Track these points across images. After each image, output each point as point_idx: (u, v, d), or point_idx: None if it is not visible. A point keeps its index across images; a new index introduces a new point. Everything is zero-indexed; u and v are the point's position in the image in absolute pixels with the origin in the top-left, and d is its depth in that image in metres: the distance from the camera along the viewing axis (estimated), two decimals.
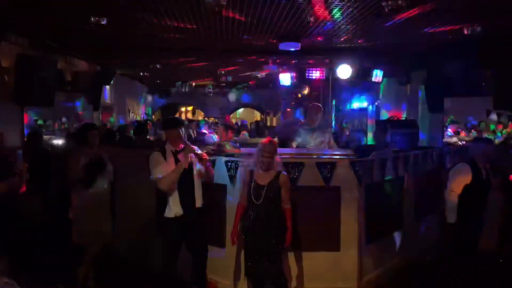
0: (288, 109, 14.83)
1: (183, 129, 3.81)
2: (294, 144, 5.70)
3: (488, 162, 4.10)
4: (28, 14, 5.26)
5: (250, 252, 3.65)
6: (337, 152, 4.90)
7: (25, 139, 6.17)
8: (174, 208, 3.69)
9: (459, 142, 8.24)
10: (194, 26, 5.90)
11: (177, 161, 3.72)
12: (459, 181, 4.01)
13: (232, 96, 15.92)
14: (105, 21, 5.35)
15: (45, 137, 7.22)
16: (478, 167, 4.03)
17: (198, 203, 3.80)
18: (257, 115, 20.77)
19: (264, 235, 3.55)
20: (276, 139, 3.89)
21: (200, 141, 7.51)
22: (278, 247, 3.61)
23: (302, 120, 6.77)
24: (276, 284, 3.66)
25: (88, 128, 4.38)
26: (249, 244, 3.64)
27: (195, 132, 9.52)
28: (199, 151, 3.82)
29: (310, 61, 8.76)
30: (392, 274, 4.64)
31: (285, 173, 3.70)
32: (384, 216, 4.68)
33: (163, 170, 3.66)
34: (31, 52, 6.40)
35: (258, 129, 12.41)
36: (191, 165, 3.75)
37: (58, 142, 7.12)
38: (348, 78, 8.09)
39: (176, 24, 5.79)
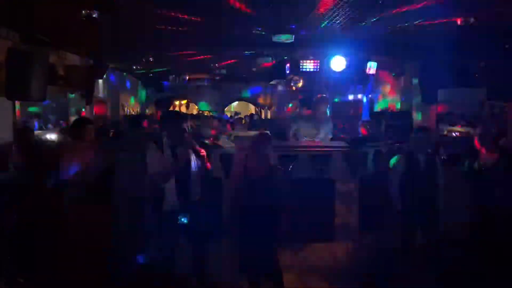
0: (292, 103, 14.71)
1: (183, 123, 3.81)
2: (290, 133, 5.71)
3: (426, 151, 4.28)
4: (18, 7, 5.19)
5: (245, 245, 3.66)
6: (332, 144, 4.92)
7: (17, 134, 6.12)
8: (171, 201, 3.69)
9: (453, 134, 8.30)
10: (186, 17, 5.85)
11: (174, 155, 3.72)
12: (395, 171, 4.27)
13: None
14: (96, 14, 5.29)
15: (38, 132, 7.16)
16: (416, 157, 4.21)
17: (196, 196, 3.80)
18: (252, 109, 20.73)
19: (260, 228, 3.56)
20: (267, 132, 3.90)
21: (195, 134, 7.48)
22: (274, 239, 3.62)
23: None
24: (272, 277, 3.68)
25: (83, 123, 4.36)
26: (245, 238, 3.65)
27: (189, 126, 9.46)
28: (197, 147, 3.83)
29: (304, 53, 8.72)
30: (387, 266, 4.68)
31: (279, 166, 3.72)
32: (379, 208, 4.71)
33: (161, 164, 3.65)
34: (22, 46, 6.32)
35: (253, 122, 12.38)
36: (189, 159, 3.75)
37: (52, 136, 7.06)
38: (342, 70, 8.08)
39: (169, 17, 5.74)
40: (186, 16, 5.81)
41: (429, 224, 4.26)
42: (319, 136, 5.68)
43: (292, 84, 13.44)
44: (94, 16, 5.30)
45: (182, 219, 3.72)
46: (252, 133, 7.52)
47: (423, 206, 4.20)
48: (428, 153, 4.39)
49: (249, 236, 3.60)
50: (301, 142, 5.44)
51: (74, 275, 4.19)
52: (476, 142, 4.10)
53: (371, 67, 8.17)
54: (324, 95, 6.01)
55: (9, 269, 3.36)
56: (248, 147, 3.68)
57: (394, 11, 5.33)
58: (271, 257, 3.64)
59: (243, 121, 12.68)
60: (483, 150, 3.99)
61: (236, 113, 18.53)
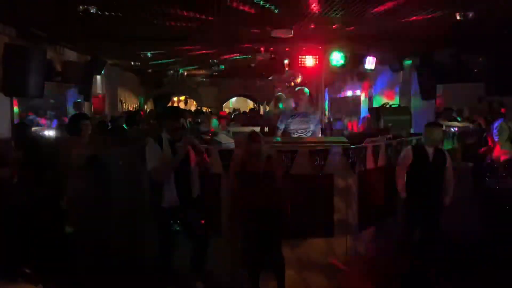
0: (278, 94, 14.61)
1: (182, 119, 3.81)
2: (278, 132, 5.71)
3: (436, 145, 4.36)
4: (14, 2, 5.15)
5: (249, 240, 3.67)
6: (330, 140, 4.92)
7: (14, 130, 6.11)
8: (170, 198, 3.69)
9: (451, 129, 8.29)
10: (185, 14, 5.82)
11: (174, 151, 3.71)
12: (402, 161, 4.41)
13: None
14: (94, 10, 5.25)
15: (35, 128, 7.15)
16: (424, 149, 4.32)
17: (195, 192, 3.80)
18: (250, 104, 20.70)
19: (264, 221, 3.57)
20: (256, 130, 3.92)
21: (194, 130, 7.48)
22: (277, 232, 3.63)
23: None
24: (276, 270, 3.69)
25: (80, 119, 4.35)
26: (249, 233, 3.66)
27: (187, 122, 9.47)
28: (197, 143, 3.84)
29: (303, 49, 8.69)
30: (384, 260, 4.69)
31: (274, 157, 3.75)
32: (377, 203, 4.72)
33: (160, 160, 3.64)
34: (19, 42, 6.29)
35: (250, 117, 12.37)
36: (188, 155, 3.74)
37: (49, 132, 7.05)
38: (341, 66, 8.06)
39: (166, 12, 5.71)
40: (185, 13, 5.78)
41: (430, 217, 4.29)
42: (310, 130, 5.67)
43: (290, 79, 13.42)
44: (91, 11, 5.26)
45: (176, 227, 3.75)
46: (250, 128, 7.49)
47: (427, 199, 4.24)
48: (437, 148, 4.41)
49: (255, 231, 3.61)
50: (296, 138, 5.43)
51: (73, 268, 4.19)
52: (490, 138, 4.09)
53: (370, 62, 8.15)
54: (303, 87, 6.01)
55: (13, 262, 3.36)
56: (243, 143, 3.70)
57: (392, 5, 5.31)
58: (276, 252, 3.66)
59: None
60: (497, 147, 3.97)
61: (235, 109, 18.51)
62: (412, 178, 4.33)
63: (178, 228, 3.75)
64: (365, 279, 4.29)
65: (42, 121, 7.74)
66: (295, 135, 5.59)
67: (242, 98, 20.65)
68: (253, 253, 3.65)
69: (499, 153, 3.92)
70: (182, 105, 19.67)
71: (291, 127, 5.61)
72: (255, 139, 3.62)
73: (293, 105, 6.04)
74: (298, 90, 5.88)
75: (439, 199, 4.28)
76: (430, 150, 4.31)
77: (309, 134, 5.67)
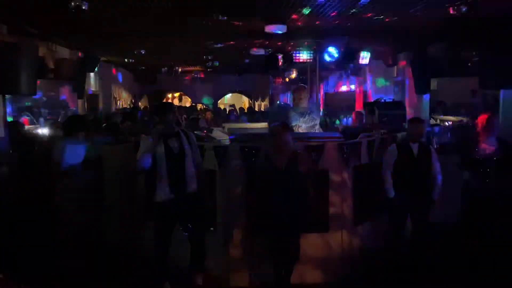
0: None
1: (172, 114, 3.80)
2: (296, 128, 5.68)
3: (420, 140, 4.36)
4: None
5: (272, 230, 3.70)
6: (325, 135, 4.92)
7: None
8: (162, 193, 3.68)
9: (446, 123, 8.33)
10: (178, 8, 5.79)
11: (166, 145, 3.70)
12: (387, 159, 4.40)
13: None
14: (86, 6, 5.20)
15: (29, 126, 7.09)
16: (409, 145, 4.31)
17: (191, 188, 3.78)
18: (245, 101, 20.69)
19: (286, 214, 3.60)
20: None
21: (190, 126, 7.45)
22: (299, 224, 3.68)
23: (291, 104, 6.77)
24: (289, 263, 3.74)
25: (76, 128, 4.32)
26: (272, 223, 3.68)
27: (183, 118, 9.45)
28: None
29: (297, 44, 8.68)
30: (380, 255, 4.71)
31: (301, 152, 3.77)
32: (372, 198, 4.73)
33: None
34: (10, 39, 6.22)
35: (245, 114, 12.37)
36: (182, 150, 3.73)
37: (43, 131, 6.99)
38: (335, 60, 8.06)
39: (159, 7, 5.67)
40: (178, 8, 5.74)
41: (419, 212, 4.29)
42: (316, 128, 5.68)
43: (285, 75, 13.41)
44: (83, 7, 5.21)
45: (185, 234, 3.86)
46: (248, 125, 7.48)
47: (414, 195, 4.24)
48: (422, 143, 4.42)
49: (277, 222, 3.63)
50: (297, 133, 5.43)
51: (68, 263, 4.18)
52: (479, 132, 4.12)
53: (364, 57, 8.15)
54: (302, 84, 5.99)
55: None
56: (269, 138, 3.70)
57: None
58: (298, 243, 3.71)
59: (235, 113, 12.74)
60: (484, 141, 4.00)
61: (231, 105, 18.49)
62: (397, 175, 4.32)
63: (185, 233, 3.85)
64: (360, 274, 4.31)
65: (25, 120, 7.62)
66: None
67: (237, 94, 20.62)
68: (278, 243, 3.68)
69: (486, 146, 3.99)
70: (176, 102, 19.63)
71: (303, 126, 5.59)
72: (280, 134, 3.61)
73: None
74: (298, 87, 5.85)
75: (426, 194, 4.27)
76: (414, 146, 4.30)
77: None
